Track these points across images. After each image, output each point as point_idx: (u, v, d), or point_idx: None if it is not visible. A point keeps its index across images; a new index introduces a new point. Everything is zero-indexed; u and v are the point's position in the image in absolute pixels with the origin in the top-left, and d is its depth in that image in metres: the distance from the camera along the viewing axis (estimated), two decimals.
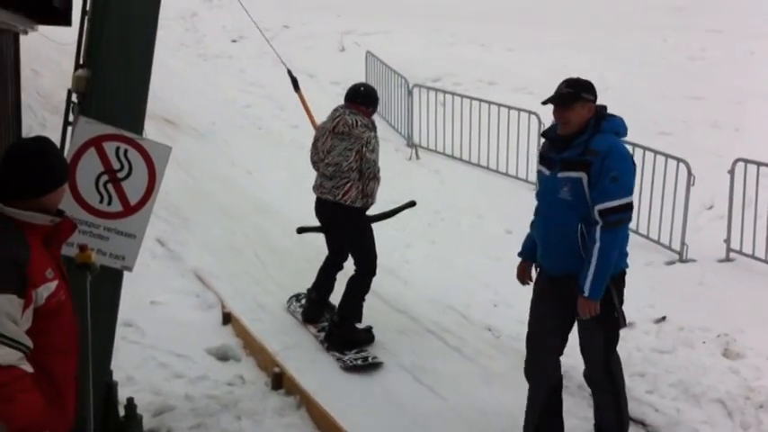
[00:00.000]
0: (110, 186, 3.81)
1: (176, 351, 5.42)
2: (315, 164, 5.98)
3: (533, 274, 4.59)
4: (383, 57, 12.65)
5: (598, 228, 4.05)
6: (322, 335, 5.84)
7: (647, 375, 5.14)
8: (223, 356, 5.47)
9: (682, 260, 7.51)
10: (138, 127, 4.04)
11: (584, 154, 4.08)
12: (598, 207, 4.04)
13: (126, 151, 3.79)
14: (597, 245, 4.04)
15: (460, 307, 6.48)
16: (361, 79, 13.22)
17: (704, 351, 5.55)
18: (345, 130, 5.70)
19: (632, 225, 8.09)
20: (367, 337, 5.78)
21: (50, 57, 11.41)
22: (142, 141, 3.83)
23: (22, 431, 2.61)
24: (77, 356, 2.98)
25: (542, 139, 4.50)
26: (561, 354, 4.47)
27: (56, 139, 3.98)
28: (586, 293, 4.07)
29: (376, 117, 6.34)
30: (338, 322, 5.76)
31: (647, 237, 7.91)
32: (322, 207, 5.90)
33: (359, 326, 5.80)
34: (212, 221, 8.24)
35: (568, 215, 4.13)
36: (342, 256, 6.09)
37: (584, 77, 4.33)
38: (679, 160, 7.84)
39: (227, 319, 5.95)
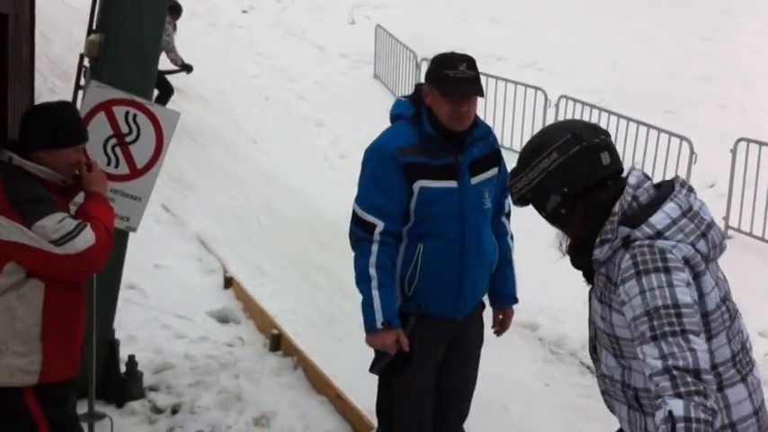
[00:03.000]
0: (117, 150, 3.87)
1: (178, 313, 5.53)
2: None
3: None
4: (393, 30, 12.67)
5: (507, 221, 3.51)
6: None
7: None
8: (223, 319, 5.58)
9: None
10: (148, 92, 4.13)
11: (494, 144, 3.36)
12: (510, 201, 3.09)
13: (135, 116, 3.85)
14: (513, 242, 3.52)
15: None
16: (371, 54, 13.26)
17: None
18: None
19: None
20: None
21: (61, 22, 11.47)
22: (151, 107, 3.90)
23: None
24: (85, 309, 3.12)
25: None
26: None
27: None
28: (518, 300, 3.54)
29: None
30: None
31: None
32: None
33: None
34: (217, 189, 8.34)
35: (489, 226, 3.37)
36: None
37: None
38: (682, 138, 7.90)
39: (229, 282, 6.07)
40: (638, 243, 2.05)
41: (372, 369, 3.39)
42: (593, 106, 9.03)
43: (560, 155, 2.16)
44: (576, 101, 9.26)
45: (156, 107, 3.91)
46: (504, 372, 5.11)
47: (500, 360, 5.28)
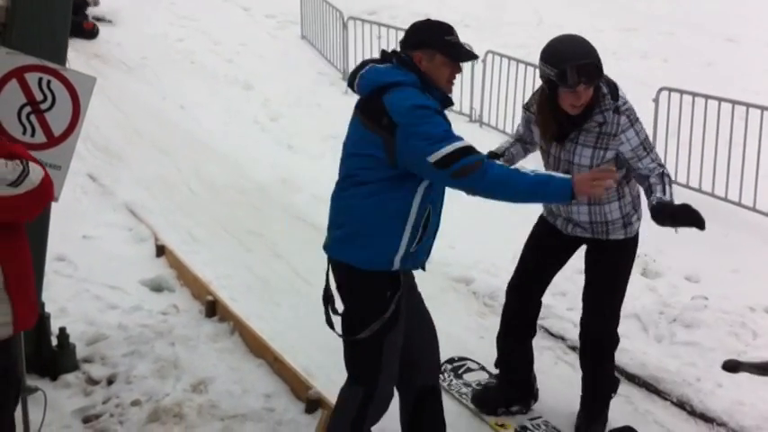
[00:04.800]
0: (33, 118, 3.79)
1: (110, 283, 5.44)
2: None
3: None
4: None
5: None
6: None
7: (568, 294, 5.36)
8: (157, 287, 5.51)
9: None
10: (61, 57, 4.01)
11: None
12: None
13: (49, 82, 3.77)
14: None
15: None
16: (297, 14, 13.07)
17: None
18: None
19: None
20: None
21: None
22: (65, 72, 3.81)
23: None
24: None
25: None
26: None
27: None
28: None
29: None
30: None
31: None
32: None
33: None
34: (145, 156, 8.18)
35: None
36: None
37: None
38: None
39: (161, 251, 5.98)
40: (623, 108, 3.67)
41: (358, 334, 3.27)
42: (519, 61, 9.08)
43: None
44: (502, 56, 9.31)
45: (70, 72, 3.81)
46: (440, 326, 5.14)
47: (436, 315, 5.30)
